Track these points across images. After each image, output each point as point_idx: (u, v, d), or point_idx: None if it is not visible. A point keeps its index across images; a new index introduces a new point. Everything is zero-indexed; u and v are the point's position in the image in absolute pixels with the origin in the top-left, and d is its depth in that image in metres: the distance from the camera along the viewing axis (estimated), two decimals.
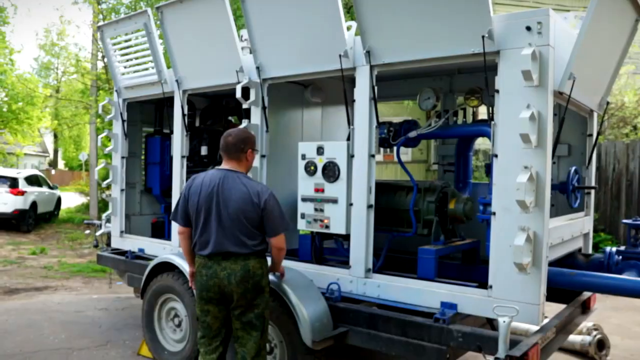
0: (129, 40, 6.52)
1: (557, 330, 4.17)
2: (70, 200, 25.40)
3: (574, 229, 4.97)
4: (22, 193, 17.61)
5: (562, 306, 4.75)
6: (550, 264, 4.10)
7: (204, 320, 4.12)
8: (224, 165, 4.14)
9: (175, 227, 5.82)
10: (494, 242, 3.87)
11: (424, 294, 4.20)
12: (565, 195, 5.14)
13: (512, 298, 3.70)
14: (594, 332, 6.26)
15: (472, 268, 5.06)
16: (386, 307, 4.39)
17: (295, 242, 5.35)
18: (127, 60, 6.74)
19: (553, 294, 4.39)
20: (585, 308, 5.04)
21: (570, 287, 4.55)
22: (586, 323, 6.13)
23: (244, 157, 4.12)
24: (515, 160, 3.71)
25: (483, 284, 3.97)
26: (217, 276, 3.95)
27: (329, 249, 5.35)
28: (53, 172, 48.01)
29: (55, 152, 57.89)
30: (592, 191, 5.55)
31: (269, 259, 4.23)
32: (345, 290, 4.60)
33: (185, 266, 5.07)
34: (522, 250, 3.56)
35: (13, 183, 17.74)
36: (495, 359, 3.41)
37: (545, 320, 4.09)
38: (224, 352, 4.20)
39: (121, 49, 6.71)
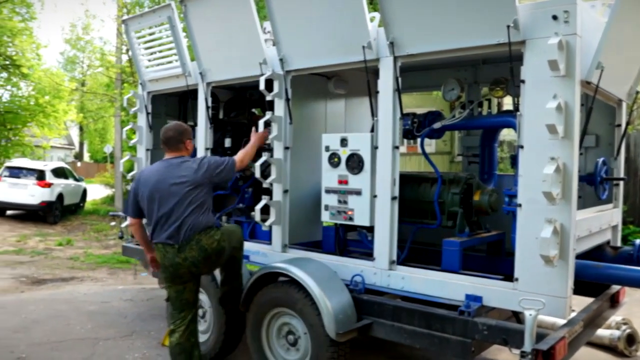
0: (153, 33, 6.55)
1: (585, 324, 4.12)
2: (96, 192, 25.74)
3: (602, 221, 4.90)
4: (49, 185, 17.87)
5: (589, 300, 4.68)
6: (578, 256, 4.04)
7: (182, 299, 4.60)
8: (167, 156, 4.67)
9: None
10: (520, 235, 3.83)
11: (449, 286, 4.17)
12: (593, 187, 5.07)
13: (539, 291, 3.66)
14: (623, 327, 6.16)
15: (497, 260, 5.01)
16: (410, 299, 4.38)
17: (318, 234, 5.35)
18: (152, 54, 6.78)
19: (581, 287, 4.33)
20: (614, 302, 4.97)
21: (598, 280, 4.49)
22: (615, 317, 6.00)
23: (183, 147, 4.66)
24: (542, 152, 3.66)
25: (508, 276, 3.93)
26: (181, 265, 4.44)
27: (353, 240, 5.33)
28: (79, 164, 48.60)
29: (81, 144, 58.56)
30: (621, 183, 5.46)
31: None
32: (369, 282, 4.59)
33: None
34: (549, 242, 3.51)
35: (40, 175, 18.01)
36: (521, 352, 3.37)
37: (573, 314, 4.04)
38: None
39: (145, 42, 6.75)
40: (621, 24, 3.95)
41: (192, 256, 4.40)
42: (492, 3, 3.77)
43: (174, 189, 4.42)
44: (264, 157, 5.13)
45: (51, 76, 25.97)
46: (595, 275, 4.38)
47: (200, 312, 5.67)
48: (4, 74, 25.16)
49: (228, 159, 4.73)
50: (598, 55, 3.81)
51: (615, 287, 4.95)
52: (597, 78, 3.88)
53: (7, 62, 24.01)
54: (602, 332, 6.04)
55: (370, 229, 4.70)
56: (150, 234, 4.64)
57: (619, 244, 5.45)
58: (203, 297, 5.60)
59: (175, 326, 4.61)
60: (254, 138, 5.14)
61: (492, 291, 3.95)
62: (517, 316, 4.55)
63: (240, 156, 4.83)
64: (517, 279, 3.81)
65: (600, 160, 5.04)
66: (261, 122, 5.19)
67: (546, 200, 3.55)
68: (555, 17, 3.61)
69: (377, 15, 4.54)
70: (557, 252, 3.58)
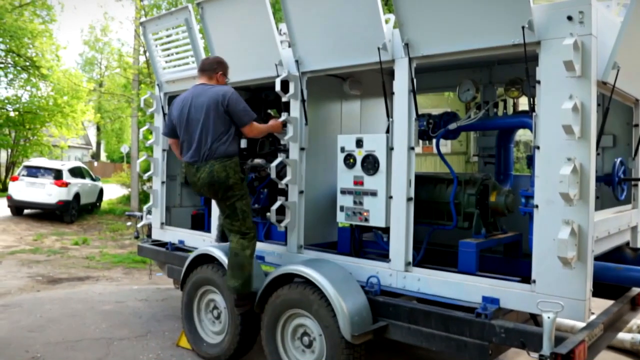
0: (170, 35, 6.60)
1: (605, 327, 4.06)
2: (112, 191, 25.94)
3: (621, 222, 4.85)
4: (66, 184, 18.04)
5: (609, 302, 4.60)
6: (597, 258, 4.01)
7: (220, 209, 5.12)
8: (199, 81, 5.01)
9: (214, 216, 5.95)
10: (537, 236, 3.80)
11: (465, 288, 4.14)
12: (610, 188, 5.02)
13: (557, 293, 3.63)
14: None
15: (514, 262, 4.98)
16: (426, 301, 4.36)
17: (334, 235, 5.35)
18: (168, 55, 6.83)
19: (600, 290, 4.30)
20: (635, 304, 4.88)
21: (618, 283, 4.44)
22: (636, 320, 5.93)
23: (214, 76, 4.98)
24: (558, 152, 3.63)
25: (526, 278, 3.90)
26: (196, 184, 4.94)
27: (368, 241, 5.33)
28: (96, 164, 49.05)
29: (98, 144, 59.09)
30: None
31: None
32: (385, 284, 4.58)
33: (224, 259, 5.29)
34: (567, 244, 3.48)
35: (57, 175, 18.18)
36: (540, 356, 3.34)
37: (592, 317, 3.99)
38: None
39: (163, 44, 6.80)
40: (637, 23, 3.92)
41: (202, 178, 4.81)
42: (507, 4, 3.75)
43: (196, 114, 4.80)
44: (280, 158, 5.14)
45: (70, 77, 26.25)
46: (615, 278, 4.34)
47: (215, 313, 5.71)
48: (24, 75, 25.54)
49: (251, 115, 4.85)
50: (614, 55, 3.78)
51: (635, 290, 4.87)
52: (613, 78, 3.85)
53: (27, 64, 24.36)
54: (623, 336, 5.97)
55: (386, 230, 4.68)
56: (180, 153, 5.14)
57: (639, 245, 5.38)
58: (217, 298, 5.63)
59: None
60: (269, 124, 5.18)
61: (509, 293, 3.92)
62: (535, 319, 4.51)
63: (254, 125, 4.90)
64: (534, 281, 3.79)
65: (618, 160, 5.00)
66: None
67: (563, 201, 3.53)
68: (570, 18, 3.59)
69: (392, 16, 4.52)
70: (575, 254, 3.54)
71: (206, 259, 5.69)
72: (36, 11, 25.01)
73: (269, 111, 7.09)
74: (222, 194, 4.87)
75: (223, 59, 5.12)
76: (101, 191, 22.20)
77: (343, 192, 4.85)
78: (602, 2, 4.19)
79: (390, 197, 4.53)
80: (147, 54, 11.37)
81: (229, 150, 4.80)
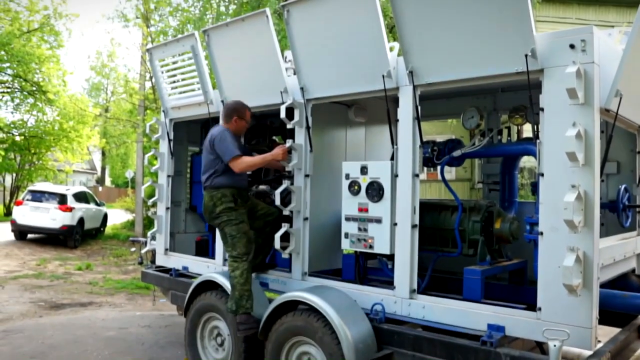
0: (177, 62, 6.66)
1: (612, 355, 4.02)
2: (116, 217, 25.95)
3: (627, 249, 4.83)
4: (70, 209, 18.07)
5: (616, 330, 4.58)
6: (602, 285, 3.99)
7: None
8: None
9: (218, 246, 5.92)
10: (542, 263, 3.79)
11: (470, 315, 4.12)
12: (615, 214, 5.01)
13: (563, 321, 3.61)
14: None
15: (519, 289, 4.95)
16: (431, 328, 4.33)
17: (338, 262, 5.34)
18: (174, 82, 6.88)
19: (606, 317, 4.26)
20: None
21: (624, 310, 4.42)
22: None
23: (229, 120, 5.36)
24: (562, 179, 3.64)
25: (531, 305, 3.88)
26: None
27: (373, 268, 5.31)
28: (100, 189, 49.17)
29: (103, 169, 59.29)
30: None
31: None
32: (390, 311, 4.56)
33: (227, 285, 5.31)
34: (572, 271, 3.47)
35: (62, 199, 18.22)
36: None
37: (599, 345, 3.95)
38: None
39: (169, 70, 6.86)
40: (638, 51, 3.94)
41: (203, 204, 5.38)
42: (510, 32, 3.79)
43: (204, 150, 5.41)
44: (285, 184, 5.15)
45: (76, 102, 26.40)
46: (622, 305, 4.31)
47: (218, 340, 5.68)
48: (30, 100, 25.72)
49: (230, 153, 5.12)
50: (616, 82, 3.80)
51: None
52: (616, 105, 3.86)
53: (34, 88, 24.54)
54: None
55: (391, 257, 4.68)
56: None
57: None
58: (221, 325, 5.61)
59: None
60: (263, 155, 5.30)
61: (514, 321, 3.90)
62: (541, 347, 4.48)
63: (237, 161, 5.12)
64: (540, 309, 3.76)
65: (622, 187, 5.00)
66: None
67: (568, 228, 3.52)
68: (572, 46, 3.62)
69: (396, 44, 4.57)
70: (580, 281, 3.53)
71: (210, 286, 5.68)
72: (44, 37, 25.30)
73: (274, 138, 7.13)
74: (210, 220, 5.41)
75: (239, 105, 5.43)
76: (105, 216, 22.21)
77: (348, 219, 4.85)
78: (604, 31, 4.22)
79: (395, 224, 4.53)
80: (153, 80, 11.47)
81: (216, 182, 5.26)
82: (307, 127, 5.17)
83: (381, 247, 4.63)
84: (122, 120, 26.63)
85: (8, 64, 23.65)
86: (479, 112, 4.84)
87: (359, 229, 4.76)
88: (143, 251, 7.56)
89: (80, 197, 19.68)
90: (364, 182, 4.73)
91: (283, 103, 5.16)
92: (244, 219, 5.29)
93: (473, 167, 11.96)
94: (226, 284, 5.35)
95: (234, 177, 5.26)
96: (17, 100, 26.16)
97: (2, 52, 22.78)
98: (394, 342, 4.38)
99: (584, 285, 3.56)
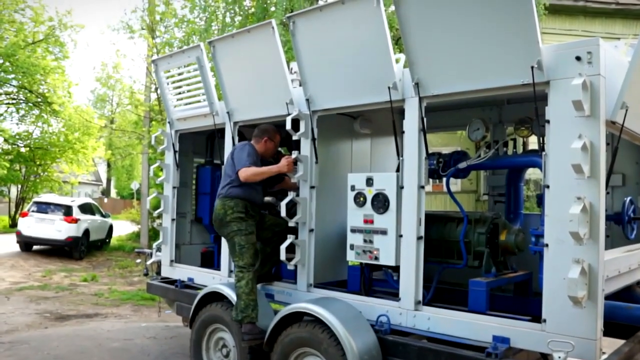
0: (182, 73, 6.70)
1: None
2: (122, 228, 25.97)
3: (632, 261, 4.82)
4: (76, 221, 18.10)
5: (620, 342, 4.57)
6: (607, 297, 3.98)
7: None
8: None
9: (223, 257, 5.95)
10: (547, 275, 3.78)
11: (476, 327, 4.11)
12: (620, 226, 5.01)
13: (567, 332, 3.61)
14: None
15: (524, 301, 4.95)
16: (436, 340, 4.32)
17: (344, 273, 5.34)
18: (180, 93, 6.92)
19: (611, 329, 4.26)
20: None
21: (629, 322, 4.41)
22: None
23: (258, 140, 5.55)
24: (568, 191, 3.64)
25: (536, 317, 3.88)
26: None
27: (378, 280, 5.32)
28: (105, 200, 49.28)
29: (108, 181, 59.42)
30: None
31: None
32: (395, 323, 4.55)
33: (233, 296, 5.31)
34: (577, 283, 3.47)
35: (67, 211, 18.26)
36: None
37: (604, 357, 3.94)
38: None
39: (174, 81, 6.90)
40: None
41: (214, 211, 5.43)
42: (516, 44, 3.81)
43: (225, 161, 5.66)
44: (290, 196, 5.17)
45: (81, 113, 26.51)
46: (626, 317, 4.31)
47: (224, 351, 5.68)
48: (36, 111, 25.83)
49: (242, 163, 5.22)
50: (622, 95, 3.81)
51: None
52: (622, 118, 3.88)
53: (39, 100, 24.66)
54: None
55: (396, 269, 4.68)
56: None
57: None
58: (226, 336, 5.61)
59: None
60: (276, 165, 5.33)
61: (519, 332, 3.89)
62: (546, 358, 4.46)
63: (242, 171, 5.18)
64: (545, 320, 3.76)
65: (628, 199, 5.00)
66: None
67: (573, 240, 3.53)
68: (578, 58, 3.64)
69: (402, 56, 4.59)
70: (585, 293, 3.53)
71: (215, 297, 5.68)
72: (49, 48, 25.44)
73: (279, 149, 7.16)
74: (219, 228, 5.43)
75: (271, 127, 5.61)
76: (111, 228, 22.24)
77: (353, 230, 4.86)
78: (610, 43, 4.24)
79: (401, 236, 4.53)
80: (159, 92, 11.53)
81: (231, 192, 5.32)
82: (313, 139, 5.19)
83: (386, 258, 4.63)
84: (128, 131, 26.70)
85: (13, 75, 23.77)
86: (485, 124, 4.85)
87: (365, 241, 4.76)
88: (148, 262, 7.56)
89: (86, 208, 19.72)
90: (369, 193, 4.73)
91: (289, 114, 5.19)
92: (253, 231, 5.33)
93: (479, 179, 11.95)
94: (232, 295, 5.36)
95: (249, 190, 5.34)
96: (22, 112, 26.24)
97: (7, 64, 22.91)
98: (399, 354, 4.37)
99: (589, 297, 3.56)
